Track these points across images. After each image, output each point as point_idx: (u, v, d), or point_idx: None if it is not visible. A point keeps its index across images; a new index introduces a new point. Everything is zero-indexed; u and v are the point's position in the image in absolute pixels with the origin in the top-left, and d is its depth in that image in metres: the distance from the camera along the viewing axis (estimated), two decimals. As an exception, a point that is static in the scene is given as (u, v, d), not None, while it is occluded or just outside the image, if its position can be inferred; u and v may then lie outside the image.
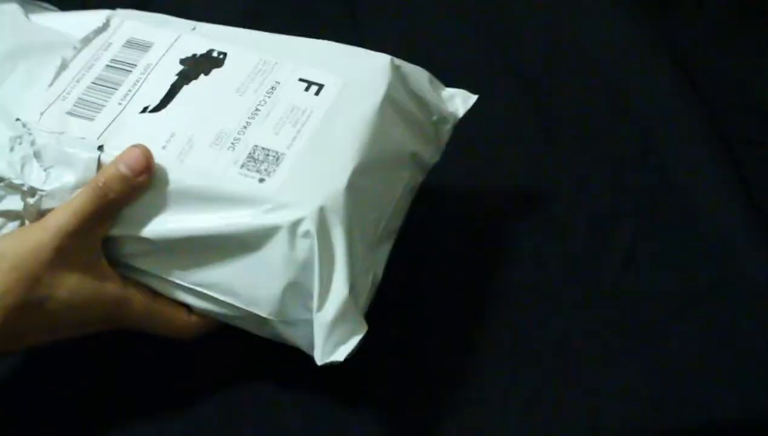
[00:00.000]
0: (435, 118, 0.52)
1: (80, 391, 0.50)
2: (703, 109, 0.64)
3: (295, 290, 0.45)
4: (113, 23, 0.52)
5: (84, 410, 0.50)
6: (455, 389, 0.51)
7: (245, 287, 0.45)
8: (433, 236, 0.57)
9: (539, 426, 0.50)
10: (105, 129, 0.47)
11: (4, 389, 0.51)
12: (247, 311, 0.46)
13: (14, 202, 0.46)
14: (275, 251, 0.44)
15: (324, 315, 0.44)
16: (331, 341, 0.44)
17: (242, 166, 0.45)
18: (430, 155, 0.53)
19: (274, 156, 0.46)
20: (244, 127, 0.47)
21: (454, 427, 0.49)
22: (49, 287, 0.43)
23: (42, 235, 0.43)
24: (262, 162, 0.45)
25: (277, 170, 0.45)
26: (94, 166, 0.45)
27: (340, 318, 0.44)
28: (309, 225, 0.43)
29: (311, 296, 0.44)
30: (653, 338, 0.53)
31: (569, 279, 0.56)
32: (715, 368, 0.52)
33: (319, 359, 0.44)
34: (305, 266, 0.44)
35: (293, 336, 0.46)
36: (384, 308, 0.53)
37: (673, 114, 0.64)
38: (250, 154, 0.46)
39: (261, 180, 0.45)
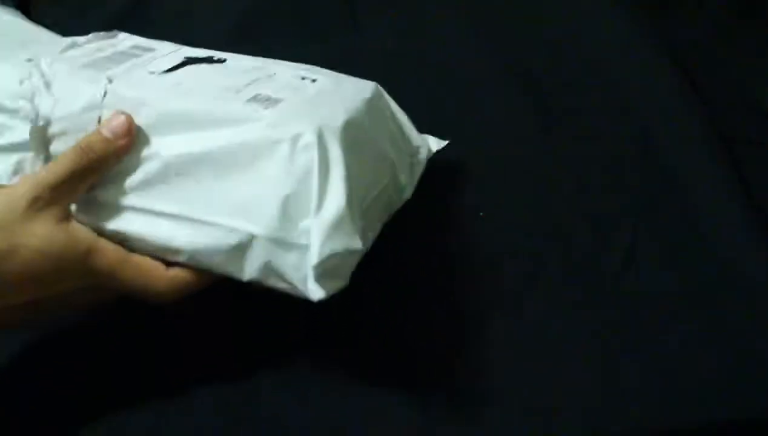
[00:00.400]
0: (412, 145, 0.56)
1: (78, 387, 0.50)
2: (703, 109, 0.64)
3: (293, 205, 0.45)
4: (120, 36, 0.56)
5: (82, 406, 0.50)
6: (454, 390, 0.51)
7: (243, 203, 0.46)
8: (432, 236, 0.57)
9: (539, 426, 0.50)
10: (114, 73, 0.50)
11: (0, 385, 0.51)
12: (241, 232, 0.46)
13: (20, 134, 0.49)
14: (275, 163, 0.46)
15: (322, 217, 0.45)
16: (329, 242, 0.45)
17: (246, 101, 0.48)
18: (405, 182, 0.55)
19: (275, 100, 0.48)
20: (246, 85, 0.50)
21: (454, 427, 0.50)
22: (21, 235, 0.44)
23: (20, 187, 0.45)
24: (265, 101, 0.48)
25: (279, 106, 0.48)
26: (101, 94, 0.48)
27: (338, 225, 0.45)
28: (310, 139, 0.46)
29: (308, 213, 0.45)
30: (653, 338, 0.53)
31: (569, 279, 0.56)
32: (715, 368, 0.52)
33: (316, 256, 0.44)
34: (304, 178, 0.45)
35: (284, 268, 0.46)
36: (384, 306, 0.53)
37: (673, 114, 0.64)
38: (253, 97, 0.49)
39: (265, 108, 0.47)
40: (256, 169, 0.46)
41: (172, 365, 0.51)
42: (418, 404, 0.50)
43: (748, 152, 0.62)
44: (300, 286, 0.46)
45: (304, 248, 0.45)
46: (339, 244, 0.45)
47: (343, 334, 0.53)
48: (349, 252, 0.45)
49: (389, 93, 0.55)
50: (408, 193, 0.55)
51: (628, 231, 0.58)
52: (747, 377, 0.51)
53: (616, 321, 0.54)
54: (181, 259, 0.47)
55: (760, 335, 0.53)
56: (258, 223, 0.46)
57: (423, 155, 0.57)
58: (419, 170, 0.57)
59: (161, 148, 0.47)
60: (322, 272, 0.45)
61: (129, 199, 0.48)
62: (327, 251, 0.44)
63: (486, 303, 0.54)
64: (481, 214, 0.58)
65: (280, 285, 0.47)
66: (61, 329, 0.49)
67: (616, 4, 0.71)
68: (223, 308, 0.53)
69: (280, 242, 0.46)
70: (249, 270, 0.47)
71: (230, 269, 0.47)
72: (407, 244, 0.57)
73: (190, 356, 0.52)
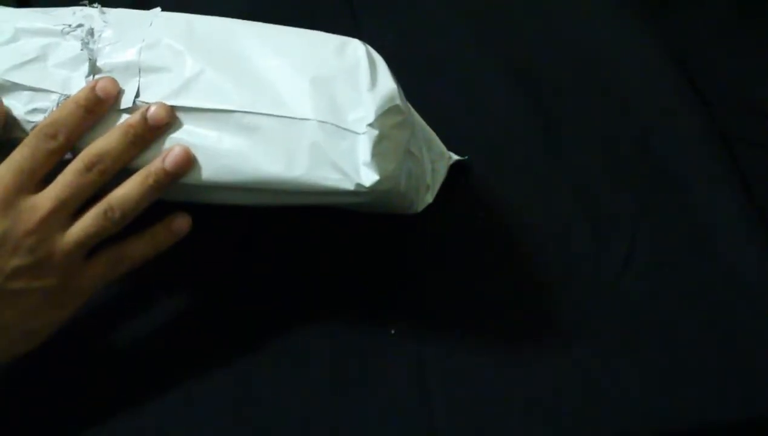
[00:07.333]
0: (434, 150, 0.56)
1: (77, 388, 0.50)
2: (703, 109, 0.64)
3: (342, 95, 0.45)
4: None
5: (81, 407, 0.50)
6: (454, 390, 0.51)
7: (290, 91, 0.46)
8: (432, 236, 0.57)
9: (539, 426, 0.50)
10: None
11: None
12: (290, 118, 0.45)
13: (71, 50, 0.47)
14: (324, 52, 0.47)
15: (376, 92, 0.45)
16: (385, 117, 0.45)
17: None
18: (429, 181, 0.55)
19: None
20: None
21: (454, 427, 0.49)
22: None
23: None
24: None
25: None
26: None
27: (390, 102, 0.45)
28: (358, 44, 0.47)
29: (358, 104, 0.45)
30: (653, 338, 0.53)
31: (569, 279, 0.56)
32: (715, 368, 0.52)
33: (376, 128, 0.45)
34: (353, 69, 0.46)
35: (336, 155, 0.45)
36: (384, 306, 0.53)
37: (673, 114, 0.64)
38: None
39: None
40: (303, 59, 0.47)
41: (170, 364, 0.51)
42: (417, 405, 0.50)
43: (748, 152, 0.62)
44: (352, 173, 0.45)
45: (357, 136, 0.44)
46: (393, 119, 0.45)
47: (343, 332, 0.53)
48: (403, 129, 0.46)
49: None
50: (429, 197, 0.56)
51: (628, 231, 0.58)
52: (747, 377, 0.51)
53: (616, 321, 0.54)
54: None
55: (760, 335, 0.53)
56: (308, 108, 0.45)
57: (444, 163, 0.57)
58: (439, 179, 0.57)
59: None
60: (377, 152, 0.44)
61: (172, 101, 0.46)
62: (385, 123, 0.45)
63: (485, 303, 0.54)
64: (481, 214, 0.58)
65: (330, 177, 0.45)
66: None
67: (617, 4, 0.71)
68: (222, 304, 0.53)
69: (332, 128, 0.45)
70: (299, 161, 0.45)
71: (277, 163, 0.45)
72: (406, 244, 0.57)
73: (188, 355, 0.52)
